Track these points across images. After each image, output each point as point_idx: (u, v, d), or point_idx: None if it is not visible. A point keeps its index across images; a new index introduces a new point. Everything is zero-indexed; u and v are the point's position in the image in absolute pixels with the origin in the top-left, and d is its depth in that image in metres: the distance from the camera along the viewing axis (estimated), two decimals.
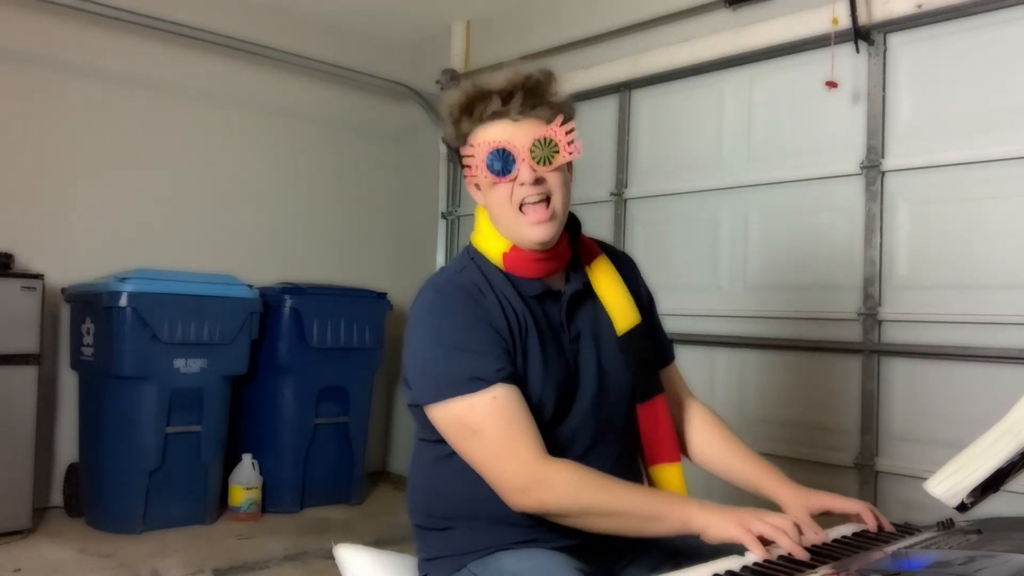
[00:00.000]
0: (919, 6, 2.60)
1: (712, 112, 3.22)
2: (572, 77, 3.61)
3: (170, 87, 3.94)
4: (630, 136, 3.50)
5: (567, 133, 1.27)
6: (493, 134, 1.26)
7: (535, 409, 1.23)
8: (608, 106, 3.56)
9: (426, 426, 1.29)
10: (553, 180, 1.27)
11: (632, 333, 1.36)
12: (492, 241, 1.32)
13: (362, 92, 4.53)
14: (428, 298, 1.29)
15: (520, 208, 1.27)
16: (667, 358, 1.50)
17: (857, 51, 2.72)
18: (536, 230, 1.26)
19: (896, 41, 2.72)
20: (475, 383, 1.19)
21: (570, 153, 1.27)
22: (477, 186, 1.33)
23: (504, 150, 1.25)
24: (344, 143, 4.56)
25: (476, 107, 1.27)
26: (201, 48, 3.89)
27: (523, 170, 1.25)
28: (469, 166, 1.28)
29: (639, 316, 1.39)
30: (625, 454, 1.38)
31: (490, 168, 1.25)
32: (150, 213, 3.86)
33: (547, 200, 1.27)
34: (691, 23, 3.27)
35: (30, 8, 3.46)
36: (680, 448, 1.47)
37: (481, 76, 1.30)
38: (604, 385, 1.33)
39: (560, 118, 1.27)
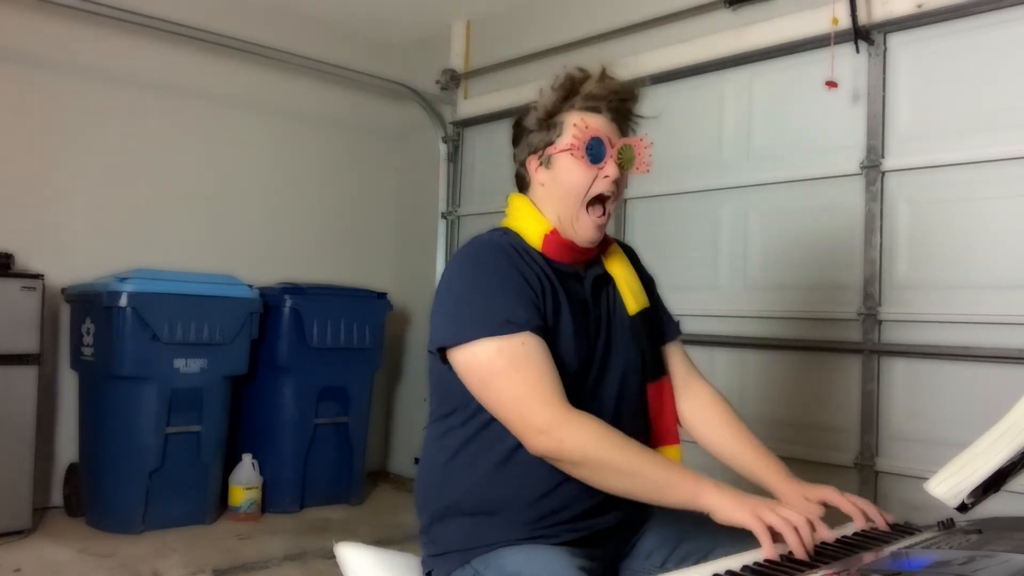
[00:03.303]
0: (919, 6, 2.60)
1: (712, 112, 3.21)
2: None
3: (170, 87, 3.94)
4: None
5: (646, 147, 1.37)
6: (594, 122, 1.33)
7: (561, 365, 1.26)
8: None
9: (446, 397, 1.32)
10: (621, 183, 1.37)
11: (642, 314, 1.42)
12: (533, 223, 1.37)
13: (362, 92, 4.53)
14: (468, 250, 1.34)
15: (586, 206, 1.34)
16: (668, 335, 1.54)
17: (857, 51, 2.72)
18: (592, 231, 1.35)
19: (896, 41, 2.72)
20: (508, 326, 1.22)
21: (642, 167, 1.37)
22: (542, 163, 1.37)
23: (603, 141, 1.33)
24: (344, 143, 4.56)
25: (589, 88, 1.34)
26: (202, 48, 3.89)
27: (609, 165, 1.33)
28: (560, 137, 1.34)
29: (647, 300, 1.46)
30: (637, 433, 1.38)
31: (588, 151, 1.32)
32: (150, 213, 3.86)
33: (604, 199, 1.35)
34: (691, 23, 3.27)
35: (30, 8, 3.46)
36: (683, 425, 1.49)
37: (605, 68, 1.38)
38: (621, 363, 1.37)
39: (646, 135, 1.39)
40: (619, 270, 1.44)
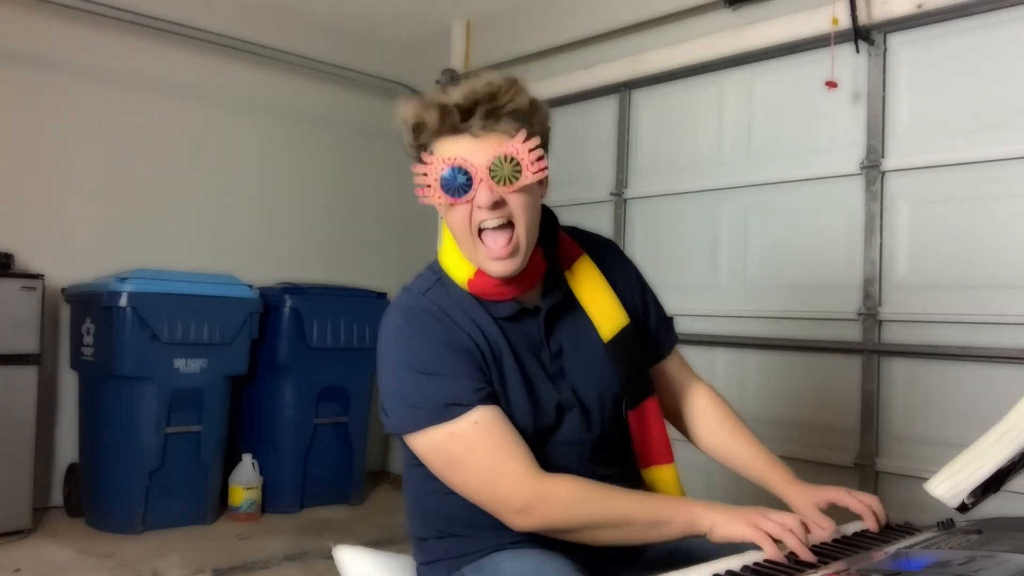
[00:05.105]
0: (919, 6, 2.60)
1: (712, 112, 3.22)
2: (572, 77, 3.61)
3: (170, 87, 3.93)
4: (630, 136, 3.50)
5: (531, 151, 1.14)
6: (452, 150, 1.14)
7: (519, 430, 1.17)
8: (608, 106, 3.56)
9: (412, 452, 1.24)
10: (516, 203, 1.15)
11: (619, 338, 1.29)
12: (458, 264, 1.23)
13: (362, 92, 4.53)
14: (394, 322, 1.22)
15: (480, 235, 1.16)
16: (663, 350, 1.44)
17: (857, 51, 2.72)
18: (497, 265, 1.16)
19: (896, 41, 2.73)
20: (453, 408, 1.13)
21: (534, 173, 1.14)
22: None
23: (461, 168, 1.13)
24: (344, 143, 4.56)
25: (433, 121, 1.15)
26: (201, 48, 3.89)
27: (481, 191, 1.13)
28: (424, 185, 1.16)
29: (626, 317, 1.31)
30: (620, 460, 1.34)
31: (446, 188, 1.14)
32: (150, 213, 3.86)
33: (509, 225, 1.16)
34: (691, 23, 3.27)
35: (30, 8, 3.46)
36: (685, 434, 1.46)
37: (438, 91, 1.18)
38: (592, 397, 1.27)
39: (523, 133, 1.15)
40: (587, 290, 1.29)
